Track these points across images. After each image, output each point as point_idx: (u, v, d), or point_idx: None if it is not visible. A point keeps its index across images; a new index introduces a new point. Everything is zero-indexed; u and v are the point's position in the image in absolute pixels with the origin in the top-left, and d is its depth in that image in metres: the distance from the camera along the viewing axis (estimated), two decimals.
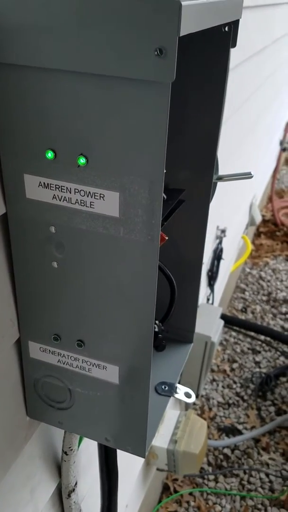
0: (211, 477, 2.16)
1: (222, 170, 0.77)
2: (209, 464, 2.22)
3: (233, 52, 0.62)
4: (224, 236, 2.09)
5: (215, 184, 0.73)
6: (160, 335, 0.71)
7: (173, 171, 0.70)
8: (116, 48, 0.40)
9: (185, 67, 0.63)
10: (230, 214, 2.39)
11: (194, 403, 2.45)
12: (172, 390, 0.72)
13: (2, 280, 0.57)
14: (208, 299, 2.12)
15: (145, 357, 0.55)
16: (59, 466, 0.82)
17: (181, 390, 0.73)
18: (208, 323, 1.70)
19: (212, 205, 0.74)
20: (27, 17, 0.42)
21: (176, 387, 0.73)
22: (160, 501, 2.01)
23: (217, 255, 2.08)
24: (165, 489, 2.09)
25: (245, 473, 2.18)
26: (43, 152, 0.48)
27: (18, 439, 0.67)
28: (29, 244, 0.54)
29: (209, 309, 1.80)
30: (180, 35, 0.37)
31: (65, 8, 0.40)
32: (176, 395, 0.72)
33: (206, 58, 0.62)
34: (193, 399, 0.73)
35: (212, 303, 2.18)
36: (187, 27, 0.39)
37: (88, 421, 0.64)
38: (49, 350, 0.60)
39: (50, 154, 0.47)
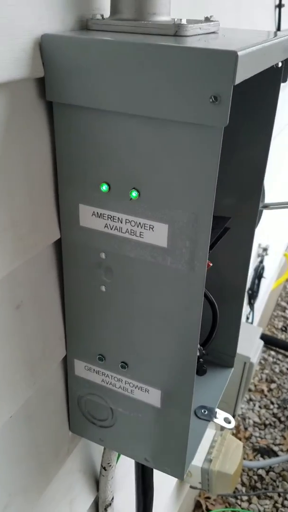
0: (245, 497, 2.12)
1: (267, 193, 0.78)
2: (243, 484, 2.19)
3: None
4: (266, 254, 2.08)
5: (261, 211, 0.74)
6: (201, 360, 0.72)
7: (219, 197, 0.71)
8: (173, 93, 0.42)
9: (236, 99, 0.64)
10: (273, 232, 2.36)
11: None
12: (211, 414, 0.73)
13: (53, 300, 0.60)
14: (247, 318, 2.10)
15: (188, 383, 0.56)
16: (97, 481, 0.84)
17: (221, 415, 0.74)
18: (248, 343, 1.68)
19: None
20: (88, 61, 0.45)
21: (216, 412, 0.74)
22: None
23: (258, 274, 2.06)
24: (197, 506, 2.07)
25: (279, 495, 2.13)
26: (98, 185, 0.50)
27: (61, 452, 0.70)
28: (80, 268, 0.57)
29: (249, 328, 1.78)
30: (235, 84, 0.39)
31: (124, 54, 0.43)
32: (215, 420, 0.73)
33: (257, 90, 0.63)
34: (232, 425, 0.73)
35: (252, 322, 2.16)
36: (242, 75, 0.40)
37: (128, 440, 0.65)
38: (94, 369, 0.62)
39: (104, 187, 0.50)
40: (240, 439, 2.38)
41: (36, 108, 0.49)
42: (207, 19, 0.54)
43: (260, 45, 0.45)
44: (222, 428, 2.09)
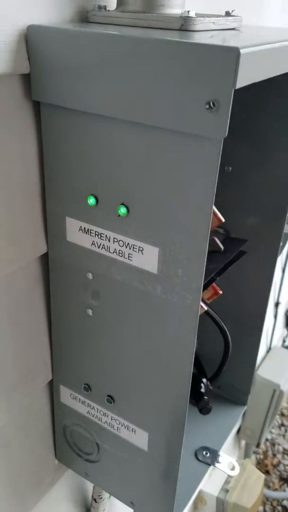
0: None
1: None
2: None
3: None
4: None
5: (287, 235, 0.65)
6: (205, 397, 0.64)
7: (238, 217, 0.64)
8: (165, 98, 0.35)
9: (261, 109, 0.57)
10: None
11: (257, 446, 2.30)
12: (214, 458, 0.65)
13: (39, 318, 0.54)
14: (284, 341, 1.97)
15: (178, 429, 0.49)
16: (89, 511, 0.78)
17: (225, 460, 0.65)
18: (280, 368, 1.57)
19: None
20: (77, 57, 0.39)
21: (219, 456, 0.65)
22: None
23: None
24: None
25: None
26: (85, 198, 0.44)
27: (43, 481, 0.64)
28: (67, 287, 0.51)
29: (282, 353, 1.67)
30: (237, 87, 0.32)
31: (112, 49, 0.37)
32: (217, 465, 0.65)
33: (284, 100, 0.55)
34: (236, 472, 0.65)
35: None
36: (247, 76, 0.33)
37: (114, 480, 0.59)
38: (79, 399, 0.56)
39: (92, 200, 0.44)
40: (266, 466, 2.25)
41: (21, 108, 0.43)
42: (227, 14, 0.47)
43: (277, 43, 0.37)
44: (245, 457, 1.98)
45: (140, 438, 0.52)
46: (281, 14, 0.94)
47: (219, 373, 0.68)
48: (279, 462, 2.29)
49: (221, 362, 0.68)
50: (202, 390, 0.64)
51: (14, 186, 0.45)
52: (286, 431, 2.45)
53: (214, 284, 0.58)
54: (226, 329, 0.66)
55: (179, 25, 0.41)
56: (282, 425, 2.48)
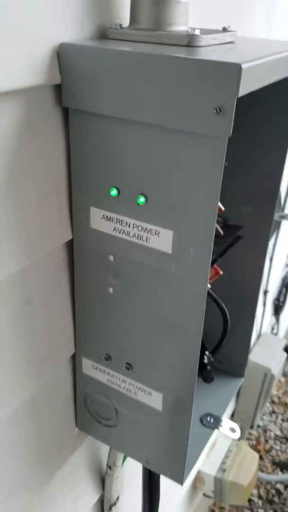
0: (261, 511, 2.09)
1: None
2: (260, 497, 2.15)
3: None
4: None
5: (279, 222, 0.73)
6: (208, 367, 0.72)
7: (234, 206, 0.72)
8: (180, 103, 0.43)
9: (253, 109, 0.65)
10: None
11: (249, 433, 2.39)
12: (217, 423, 0.73)
13: (64, 299, 0.61)
14: (272, 329, 2.07)
15: (189, 389, 0.57)
16: (103, 479, 0.86)
17: (226, 424, 0.74)
18: (270, 354, 1.66)
19: (283, 232, 0.74)
20: (101, 70, 0.46)
21: (221, 421, 0.73)
22: None
23: (286, 283, 2.03)
24: None
25: None
26: (108, 190, 0.52)
27: (66, 447, 0.71)
28: (90, 269, 0.59)
29: (272, 339, 1.76)
30: (239, 96, 0.40)
31: (134, 64, 0.44)
32: (220, 429, 0.73)
33: (274, 101, 0.63)
34: (237, 434, 0.73)
35: (277, 334, 2.12)
36: (247, 87, 0.41)
37: (131, 441, 0.66)
38: (100, 369, 0.64)
39: (114, 192, 0.52)
40: (259, 451, 2.34)
41: (52, 114, 0.51)
42: (224, 29, 0.55)
43: (270, 56, 0.45)
44: (239, 438, 2.07)
45: (155, 400, 0.60)
46: (265, 25, 1.02)
47: (219, 347, 0.76)
48: (271, 447, 2.38)
49: (221, 337, 0.76)
50: (205, 361, 0.72)
51: (46, 182, 0.52)
52: (277, 417, 2.55)
53: (215, 265, 0.66)
54: (225, 307, 0.74)
55: (186, 42, 0.48)
56: (273, 412, 2.58)
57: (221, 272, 0.66)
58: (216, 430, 0.75)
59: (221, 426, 0.73)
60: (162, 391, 0.59)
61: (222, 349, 0.77)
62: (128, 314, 0.58)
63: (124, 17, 0.55)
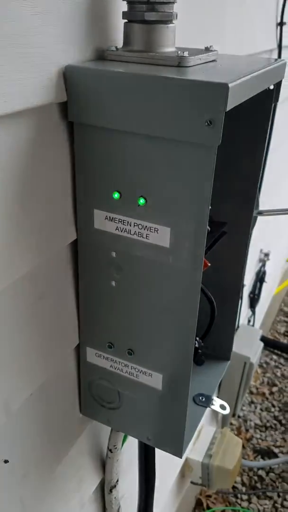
0: (244, 497, 2.18)
1: (268, 200, 0.86)
2: (243, 484, 2.25)
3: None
4: (268, 259, 2.15)
5: (255, 218, 0.81)
6: (199, 351, 0.80)
7: (217, 205, 0.79)
8: (175, 117, 0.50)
9: (231, 117, 0.72)
10: (274, 238, 2.43)
11: (231, 423, 2.49)
12: (208, 401, 0.81)
13: (69, 294, 0.68)
14: (249, 321, 2.17)
15: (186, 368, 0.64)
16: (104, 464, 0.92)
17: (217, 403, 0.81)
18: (248, 344, 1.75)
19: (256, 229, 0.82)
20: (103, 88, 0.53)
21: (213, 399, 0.81)
22: None
23: (260, 278, 2.14)
24: (198, 504, 2.13)
25: (279, 496, 2.19)
26: (111, 193, 0.59)
27: (72, 432, 0.78)
28: (94, 265, 0.65)
29: (249, 330, 1.86)
30: (227, 110, 0.47)
31: (133, 83, 0.51)
32: (212, 407, 0.80)
33: (250, 109, 0.71)
34: (227, 411, 0.81)
35: (253, 325, 2.22)
36: (233, 101, 0.48)
37: (133, 421, 0.73)
38: (103, 356, 0.70)
39: (116, 195, 0.58)
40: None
41: (59, 128, 0.57)
42: (207, 49, 0.62)
43: (250, 75, 0.53)
44: (222, 426, 2.15)
45: (155, 380, 0.67)
46: (237, 44, 1.11)
47: (207, 333, 0.84)
48: (252, 436, 2.49)
49: (208, 324, 0.84)
50: (196, 345, 0.80)
51: (54, 189, 0.59)
52: (256, 407, 2.66)
53: (204, 258, 0.73)
54: (212, 297, 0.82)
55: (176, 63, 0.55)
56: (252, 402, 2.68)
57: (209, 264, 0.74)
58: (208, 409, 0.82)
59: (212, 404, 0.80)
60: (161, 371, 0.66)
61: (210, 336, 0.85)
62: (130, 305, 0.64)
63: (117, 39, 0.62)
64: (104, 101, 0.54)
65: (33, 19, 0.48)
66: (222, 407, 0.81)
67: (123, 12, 0.58)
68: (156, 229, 0.58)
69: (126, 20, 0.59)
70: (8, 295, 0.55)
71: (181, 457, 0.71)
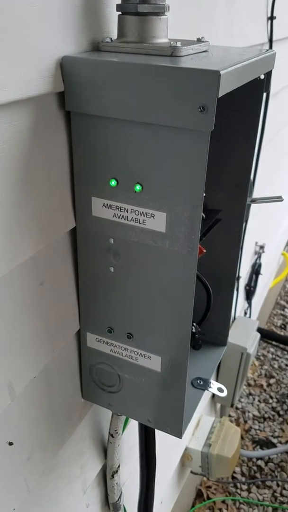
0: (244, 487, 2.21)
1: (261, 190, 0.88)
2: (243, 474, 2.27)
3: (273, 80, 0.72)
4: (263, 252, 2.17)
5: (249, 206, 0.83)
6: (197, 336, 0.82)
7: (212, 193, 0.81)
8: (169, 104, 0.52)
9: (223, 107, 0.74)
10: (270, 230, 2.46)
11: (229, 415, 2.51)
12: (206, 385, 0.83)
13: (69, 280, 0.69)
14: (245, 313, 2.19)
15: (184, 350, 0.66)
16: (105, 449, 0.94)
17: (214, 386, 0.83)
18: (245, 335, 1.78)
19: (251, 221, 0.84)
20: (99, 78, 0.55)
21: (210, 382, 0.83)
22: (193, 506, 2.08)
23: (255, 270, 2.16)
24: (199, 495, 2.16)
25: (278, 485, 2.22)
26: (108, 181, 0.60)
27: (74, 416, 0.79)
28: (92, 252, 0.67)
29: (246, 321, 1.88)
30: (219, 96, 0.49)
31: (128, 73, 0.53)
32: (210, 389, 0.82)
33: (242, 99, 0.73)
34: (225, 393, 0.83)
35: (250, 317, 2.25)
36: (225, 88, 0.50)
37: (133, 403, 0.75)
38: (104, 341, 0.72)
39: (113, 182, 0.60)
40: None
41: (56, 117, 0.59)
42: (199, 40, 0.64)
43: (241, 63, 0.55)
44: (221, 416, 2.18)
45: (154, 362, 0.69)
46: (228, 38, 1.13)
47: (204, 319, 0.86)
48: (250, 427, 2.52)
49: (205, 310, 0.86)
50: (193, 331, 0.82)
51: (52, 177, 0.60)
52: (254, 399, 2.69)
53: (199, 244, 0.75)
54: (208, 284, 0.84)
55: (170, 52, 0.57)
56: (250, 394, 2.71)
57: (205, 251, 0.76)
58: (206, 400, 0.84)
59: (210, 387, 0.82)
60: (160, 354, 0.68)
61: (206, 322, 0.87)
62: (128, 289, 0.66)
63: (112, 31, 0.64)
64: (100, 90, 0.56)
65: (31, 11, 0.50)
66: (220, 389, 0.83)
67: (117, 5, 0.60)
68: (152, 215, 0.60)
69: (120, 12, 0.60)
70: (11, 280, 0.57)
71: (180, 437, 0.74)
